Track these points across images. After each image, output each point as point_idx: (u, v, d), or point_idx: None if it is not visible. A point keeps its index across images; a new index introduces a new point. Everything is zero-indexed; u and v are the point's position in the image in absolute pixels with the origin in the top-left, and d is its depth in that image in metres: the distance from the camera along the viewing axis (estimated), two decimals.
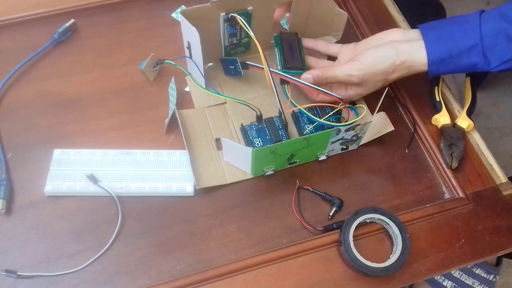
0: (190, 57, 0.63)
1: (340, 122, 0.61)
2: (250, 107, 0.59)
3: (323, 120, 0.59)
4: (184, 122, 0.61)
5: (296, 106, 0.58)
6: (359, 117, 0.57)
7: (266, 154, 0.54)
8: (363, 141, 0.61)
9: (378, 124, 0.61)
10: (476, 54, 0.54)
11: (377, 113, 0.57)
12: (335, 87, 0.62)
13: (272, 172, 0.58)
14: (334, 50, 0.64)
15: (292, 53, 0.63)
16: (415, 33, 0.58)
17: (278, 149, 0.54)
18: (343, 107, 0.60)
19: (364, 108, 0.62)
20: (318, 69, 0.60)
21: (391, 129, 0.61)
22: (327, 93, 0.59)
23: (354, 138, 0.58)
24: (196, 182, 0.56)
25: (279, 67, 0.62)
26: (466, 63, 0.55)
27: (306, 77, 0.59)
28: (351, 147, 0.61)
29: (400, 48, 0.56)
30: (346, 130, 0.55)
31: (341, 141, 0.58)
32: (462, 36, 0.55)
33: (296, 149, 0.56)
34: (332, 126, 0.56)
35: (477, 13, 0.56)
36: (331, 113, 0.61)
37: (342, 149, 0.61)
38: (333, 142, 0.58)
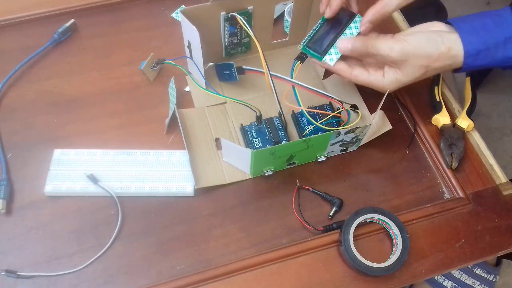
0: (191, 56, 0.63)
1: (340, 124, 0.61)
2: (249, 107, 0.59)
3: (319, 124, 0.58)
4: (184, 122, 0.61)
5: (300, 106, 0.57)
6: (355, 122, 0.57)
7: (266, 155, 0.54)
8: (362, 142, 0.61)
9: (376, 123, 0.61)
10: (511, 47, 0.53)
11: (376, 112, 0.57)
12: (372, 70, 0.58)
13: (271, 172, 0.58)
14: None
15: (327, 34, 0.58)
16: (452, 27, 0.56)
17: (277, 151, 0.54)
18: (342, 110, 0.60)
19: (362, 110, 0.62)
20: (360, 37, 0.56)
21: (389, 128, 0.61)
22: (327, 95, 0.58)
23: (354, 140, 0.58)
24: (195, 181, 0.56)
25: (303, 41, 0.58)
26: (502, 56, 0.54)
27: (345, 45, 0.55)
28: (350, 149, 0.61)
29: (446, 36, 0.54)
30: (346, 133, 0.55)
31: (340, 143, 0.58)
32: (497, 28, 0.53)
33: (295, 151, 0.56)
34: (330, 130, 0.55)
35: (507, 8, 0.55)
36: (330, 115, 0.61)
37: (342, 150, 0.61)
38: (332, 144, 0.58)
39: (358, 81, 0.58)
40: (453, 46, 0.54)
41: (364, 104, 0.64)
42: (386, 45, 0.54)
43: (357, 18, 0.58)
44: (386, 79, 0.56)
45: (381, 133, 0.61)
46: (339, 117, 0.61)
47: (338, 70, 0.58)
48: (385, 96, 0.56)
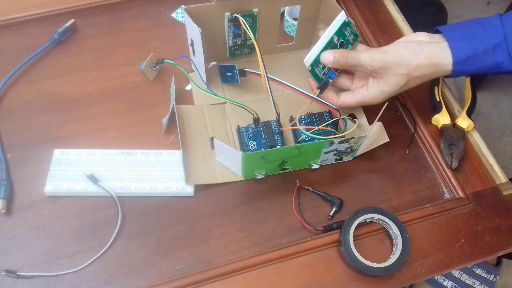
0: (194, 54, 0.63)
1: (337, 132, 0.60)
2: (246, 109, 0.59)
3: (310, 133, 0.58)
4: (181, 118, 0.61)
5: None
6: (350, 130, 0.57)
7: (257, 159, 0.54)
8: (358, 153, 0.60)
9: (373, 134, 0.61)
10: (501, 52, 0.54)
11: (374, 123, 0.56)
12: (358, 87, 0.60)
13: (263, 176, 0.58)
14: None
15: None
16: (439, 36, 0.57)
17: (268, 155, 0.53)
18: (337, 119, 0.59)
19: (361, 120, 0.61)
20: (341, 49, 0.58)
21: (386, 141, 0.61)
22: (324, 102, 0.57)
23: (349, 150, 0.58)
24: (186, 178, 0.56)
25: (310, 61, 0.57)
26: (491, 62, 0.55)
27: (327, 57, 0.56)
28: (345, 159, 0.60)
29: (425, 45, 0.55)
30: (340, 142, 0.55)
31: (334, 152, 0.58)
32: (486, 35, 0.54)
33: (287, 157, 0.55)
34: (324, 139, 0.55)
35: (497, 15, 0.56)
36: (328, 121, 0.61)
37: (336, 159, 0.60)
38: (326, 153, 0.57)
39: (346, 105, 0.59)
40: (433, 55, 0.55)
41: (364, 115, 0.64)
42: (367, 56, 0.56)
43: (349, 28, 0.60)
44: (370, 92, 0.58)
45: (378, 145, 0.60)
46: (337, 126, 0.61)
47: (326, 99, 0.59)
48: (383, 108, 0.55)
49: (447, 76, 0.57)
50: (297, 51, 0.70)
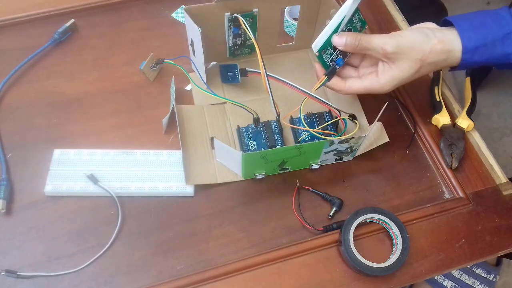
0: (194, 54, 0.63)
1: (337, 133, 0.60)
2: (246, 109, 0.59)
3: (314, 131, 0.57)
4: (181, 118, 0.61)
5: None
6: (351, 134, 0.56)
7: (256, 159, 0.54)
8: (358, 153, 0.60)
9: (373, 134, 0.61)
10: (510, 43, 0.54)
11: (374, 123, 0.56)
12: (365, 74, 0.58)
13: (263, 176, 0.58)
14: None
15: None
16: (448, 27, 0.56)
17: (268, 155, 0.53)
18: (337, 119, 0.59)
19: (361, 120, 0.61)
20: (354, 32, 0.56)
21: (386, 141, 0.61)
22: (325, 102, 0.57)
23: (349, 150, 0.58)
24: (186, 178, 0.56)
25: (318, 47, 0.55)
26: (500, 53, 0.54)
27: (339, 40, 0.55)
28: (345, 159, 0.60)
29: (437, 31, 0.55)
30: (340, 142, 0.55)
31: (334, 152, 0.58)
32: (495, 25, 0.54)
33: (287, 157, 0.55)
34: (323, 138, 0.54)
35: (505, 7, 0.56)
36: (328, 122, 0.60)
37: (337, 159, 0.60)
38: (326, 153, 0.57)
39: (353, 91, 0.57)
40: (446, 41, 0.54)
41: (364, 115, 0.64)
42: (379, 40, 0.54)
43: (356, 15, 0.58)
44: (380, 79, 0.56)
45: (378, 145, 0.60)
46: (337, 126, 0.61)
47: (332, 85, 0.58)
48: (383, 108, 0.55)
49: (454, 68, 0.57)
50: (297, 51, 0.70)
